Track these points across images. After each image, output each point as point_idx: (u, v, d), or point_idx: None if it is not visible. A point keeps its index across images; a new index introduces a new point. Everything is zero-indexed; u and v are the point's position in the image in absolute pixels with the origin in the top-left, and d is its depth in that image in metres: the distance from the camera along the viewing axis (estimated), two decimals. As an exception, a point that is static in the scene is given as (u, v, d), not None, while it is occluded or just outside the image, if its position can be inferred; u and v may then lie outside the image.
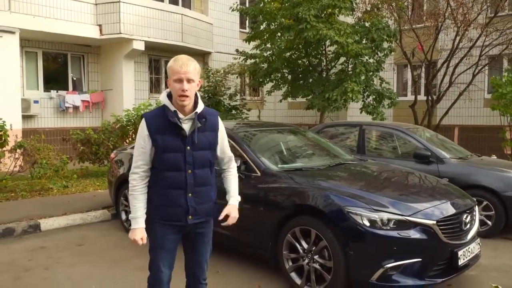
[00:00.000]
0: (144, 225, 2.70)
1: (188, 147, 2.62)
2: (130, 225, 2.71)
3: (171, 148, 2.61)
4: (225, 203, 2.86)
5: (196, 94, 2.67)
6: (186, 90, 2.54)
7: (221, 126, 2.82)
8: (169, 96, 2.67)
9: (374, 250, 3.66)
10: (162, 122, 2.62)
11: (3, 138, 7.67)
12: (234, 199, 2.87)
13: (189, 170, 2.64)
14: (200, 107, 2.67)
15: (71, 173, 8.71)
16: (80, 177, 9.25)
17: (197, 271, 2.87)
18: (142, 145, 2.66)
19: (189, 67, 2.55)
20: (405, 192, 4.26)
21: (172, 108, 2.62)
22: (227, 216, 2.78)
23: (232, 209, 2.81)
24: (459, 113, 14.51)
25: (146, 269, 4.56)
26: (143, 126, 2.66)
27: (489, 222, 5.89)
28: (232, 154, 2.95)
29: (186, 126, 2.63)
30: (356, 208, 3.74)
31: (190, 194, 2.65)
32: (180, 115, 2.61)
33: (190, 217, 2.67)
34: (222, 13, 16.05)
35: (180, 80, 2.55)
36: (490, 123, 13.96)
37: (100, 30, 12.33)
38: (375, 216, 3.67)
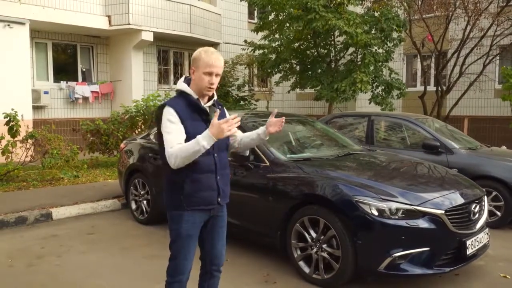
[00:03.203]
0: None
1: None
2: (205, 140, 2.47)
3: (200, 132, 2.57)
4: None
5: None
6: (213, 84, 2.68)
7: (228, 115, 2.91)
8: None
9: (383, 239, 3.68)
10: (187, 109, 2.68)
11: (15, 128, 7.77)
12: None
13: (215, 154, 2.73)
14: (215, 96, 2.82)
15: (81, 163, 8.80)
16: (90, 167, 9.35)
17: (216, 257, 2.92)
18: (174, 127, 2.60)
19: (221, 62, 2.69)
20: (413, 182, 4.26)
21: (195, 95, 2.72)
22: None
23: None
24: (469, 103, 14.39)
25: (156, 257, 4.64)
26: (171, 112, 2.62)
27: (498, 213, 5.87)
28: None
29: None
30: (364, 197, 3.75)
31: (218, 177, 2.76)
32: (202, 102, 2.75)
33: (219, 199, 2.78)
34: (231, 3, 16.02)
35: (210, 74, 2.66)
36: (500, 114, 13.84)
37: (109, 21, 12.36)
38: (384, 205, 3.69)
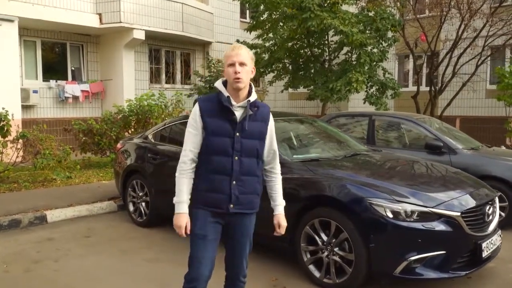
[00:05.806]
0: (188, 211, 2.65)
1: (238, 134, 2.60)
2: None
3: (220, 132, 2.60)
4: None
5: (250, 84, 2.67)
6: (239, 73, 2.55)
7: (271, 119, 2.78)
8: (224, 85, 2.67)
9: (397, 242, 3.58)
10: (214, 106, 2.63)
11: (6, 128, 7.52)
12: (281, 207, 2.87)
13: (236, 157, 2.60)
14: (254, 96, 2.66)
15: (74, 164, 8.58)
16: (83, 168, 9.13)
17: (236, 267, 2.81)
18: (193, 126, 2.65)
19: (240, 50, 2.60)
20: (427, 183, 4.18)
21: (226, 93, 2.62)
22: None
23: (281, 219, 2.83)
24: (461, 104, 14.43)
25: (157, 260, 4.51)
26: (195, 109, 2.66)
27: (502, 213, 5.81)
28: (277, 151, 2.85)
29: (238, 113, 2.63)
30: (378, 199, 3.65)
31: (234, 182, 2.61)
32: (233, 102, 2.61)
33: (231, 205, 2.62)
34: (223, 2, 15.88)
35: (232, 64, 2.58)
36: (491, 114, 13.91)
37: (100, 19, 12.10)
38: (399, 207, 3.59)
